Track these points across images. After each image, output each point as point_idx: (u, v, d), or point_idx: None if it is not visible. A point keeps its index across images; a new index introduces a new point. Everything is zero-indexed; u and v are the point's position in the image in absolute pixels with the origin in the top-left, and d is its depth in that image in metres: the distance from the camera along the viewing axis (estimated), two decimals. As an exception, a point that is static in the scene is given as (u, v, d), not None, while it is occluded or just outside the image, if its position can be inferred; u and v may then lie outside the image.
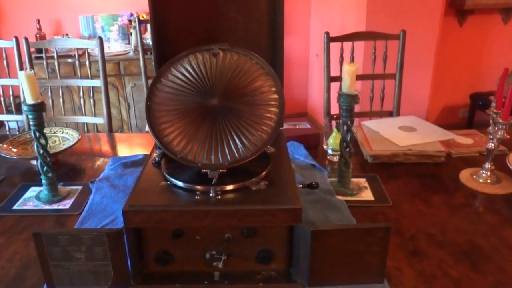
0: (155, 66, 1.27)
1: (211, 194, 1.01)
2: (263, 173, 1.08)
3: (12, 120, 2.49)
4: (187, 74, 1.12)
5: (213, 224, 0.98)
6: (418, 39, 3.42)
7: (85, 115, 2.40)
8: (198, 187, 1.03)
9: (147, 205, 0.98)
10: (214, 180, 1.03)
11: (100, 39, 2.25)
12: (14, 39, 2.23)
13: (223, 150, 1.06)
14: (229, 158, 1.05)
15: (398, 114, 2.26)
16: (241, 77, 1.12)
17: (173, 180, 1.06)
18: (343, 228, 0.98)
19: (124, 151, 1.87)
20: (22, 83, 1.32)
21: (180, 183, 1.05)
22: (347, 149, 1.39)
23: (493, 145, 1.43)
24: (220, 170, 1.04)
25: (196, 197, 1.01)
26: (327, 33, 2.18)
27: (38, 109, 1.34)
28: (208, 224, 0.98)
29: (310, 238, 0.95)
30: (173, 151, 1.07)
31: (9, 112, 2.53)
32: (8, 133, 2.45)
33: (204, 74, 1.12)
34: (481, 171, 1.49)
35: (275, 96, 1.11)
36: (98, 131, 2.40)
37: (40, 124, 1.36)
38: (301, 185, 1.25)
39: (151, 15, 1.26)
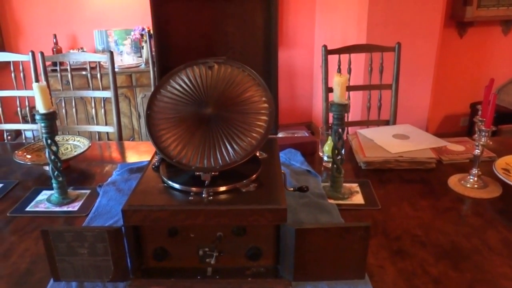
0: (157, 78, 1.36)
1: (203, 195, 1.08)
2: (253, 176, 1.15)
3: (28, 129, 2.60)
4: (184, 86, 1.21)
5: (205, 222, 1.05)
6: (418, 51, 3.49)
7: (98, 124, 2.51)
8: (192, 188, 1.11)
9: (144, 205, 1.06)
10: (206, 182, 1.11)
11: (111, 53, 2.36)
12: (30, 53, 2.36)
13: (215, 154, 1.15)
14: (220, 162, 1.13)
15: (394, 123, 2.33)
16: (234, 88, 1.21)
17: (170, 182, 1.14)
18: (325, 227, 1.04)
19: (131, 157, 1.96)
20: (36, 94, 1.40)
21: (176, 185, 1.13)
22: (338, 156, 1.47)
23: (479, 151, 1.49)
24: (212, 173, 1.13)
25: (189, 198, 1.08)
26: (325, 46, 2.27)
27: (50, 118, 1.42)
28: (200, 222, 1.05)
29: (294, 236, 1.02)
30: (170, 155, 1.16)
31: (25, 121, 2.66)
32: (24, 141, 2.56)
33: (200, 85, 1.21)
34: (468, 177, 1.55)
35: (265, 105, 1.20)
36: (109, 139, 2.50)
37: (51, 132, 1.44)
38: (291, 188, 1.33)
39: (154, 31, 1.36)
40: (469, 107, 4.45)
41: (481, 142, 1.46)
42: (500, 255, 1.19)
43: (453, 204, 1.46)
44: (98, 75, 2.44)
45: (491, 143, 1.47)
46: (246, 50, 1.42)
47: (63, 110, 2.57)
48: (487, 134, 1.45)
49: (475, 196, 1.49)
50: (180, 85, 1.22)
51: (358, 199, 1.49)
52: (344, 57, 2.36)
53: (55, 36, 4.31)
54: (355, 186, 1.57)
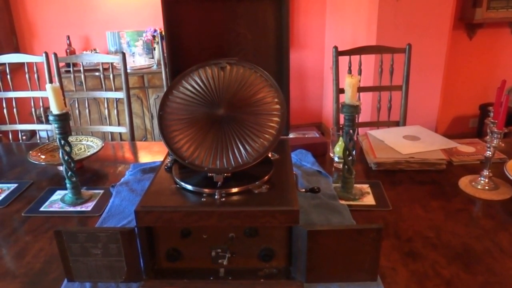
0: (169, 79, 1.37)
1: (216, 196, 1.08)
2: (266, 177, 1.15)
3: (43, 130, 2.63)
4: (196, 86, 1.22)
5: (217, 224, 1.05)
6: (427, 52, 3.49)
7: (111, 124, 2.54)
8: (205, 190, 1.11)
9: (157, 206, 1.06)
10: (219, 183, 1.12)
11: (123, 54, 2.38)
12: (44, 54, 2.39)
13: (228, 156, 1.15)
14: (233, 163, 1.14)
15: (404, 124, 2.33)
16: (246, 89, 1.21)
17: (182, 183, 1.14)
18: (337, 228, 1.04)
19: (144, 158, 1.98)
20: (49, 95, 1.42)
21: (188, 186, 1.13)
22: (350, 157, 1.47)
23: (490, 153, 1.49)
24: (225, 174, 1.13)
25: (202, 199, 1.08)
26: (336, 47, 2.27)
27: (63, 118, 1.44)
28: (213, 224, 1.05)
29: (306, 238, 1.02)
30: (182, 156, 1.16)
31: (40, 122, 2.69)
32: (38, 141, 2.60)
33: (212, 86, 1.21)
34: (479, 178, 1.54)
35: (277, 106, 1.20)
36: (122, 140, 2.52)
37: (65, 133, 1.45)
38: (303, 189, 1.33)
39: (166, 32, 1.36)
40: (479, 108, 4.45)
41: (493, 144, 1.46)
42: (512, 257, 1.19)
43: (464, 206, 1.45)
44: (111, 76, 2.46)
45: (503, 145, 1.47)
46: (258, 51, 1.42)
47: (77, 111, 2.60)
48: (499, 136, 1.44)
49: (486, 197, 1.48)
50: (193, 86, 1.22)
51: (369, 200, 1.50)
52: (355, 58, 2.36)
53: (68, 37, 4.36)
54: (366, 187, 1.57)
